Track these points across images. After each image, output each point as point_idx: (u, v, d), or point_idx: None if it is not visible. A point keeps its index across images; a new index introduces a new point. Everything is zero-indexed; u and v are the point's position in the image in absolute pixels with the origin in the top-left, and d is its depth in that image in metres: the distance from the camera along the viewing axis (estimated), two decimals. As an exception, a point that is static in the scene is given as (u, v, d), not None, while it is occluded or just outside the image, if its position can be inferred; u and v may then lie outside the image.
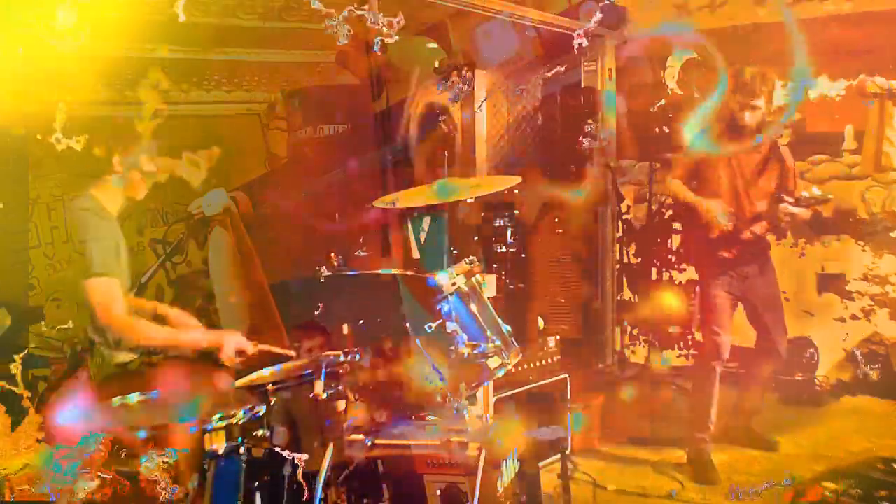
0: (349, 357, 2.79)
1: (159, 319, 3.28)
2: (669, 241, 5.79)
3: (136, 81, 3.44)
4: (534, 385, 4.37)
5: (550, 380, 4.49)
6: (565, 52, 5.90)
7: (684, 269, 5.72)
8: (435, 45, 5.60)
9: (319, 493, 2.52)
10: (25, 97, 3.22)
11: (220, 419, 2.54)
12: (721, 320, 4.32)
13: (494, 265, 5.06)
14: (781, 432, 4.68)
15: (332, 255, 3.13)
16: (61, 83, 3.18)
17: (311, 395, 2.62)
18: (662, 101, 5.84)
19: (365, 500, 2.69)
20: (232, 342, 3.14)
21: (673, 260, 5.80)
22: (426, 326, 2.82)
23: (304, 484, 2.49)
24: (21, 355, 3.36)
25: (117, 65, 3.76)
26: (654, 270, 5.75)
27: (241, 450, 2.56)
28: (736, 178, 4.29)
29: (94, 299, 2.98)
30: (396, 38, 2.46)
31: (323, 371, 2.65)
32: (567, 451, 4.17)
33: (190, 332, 3.24)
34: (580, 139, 5.15)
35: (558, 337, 4.77)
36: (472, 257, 3.10)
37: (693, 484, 4.14)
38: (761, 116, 4.21)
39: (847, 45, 5.07)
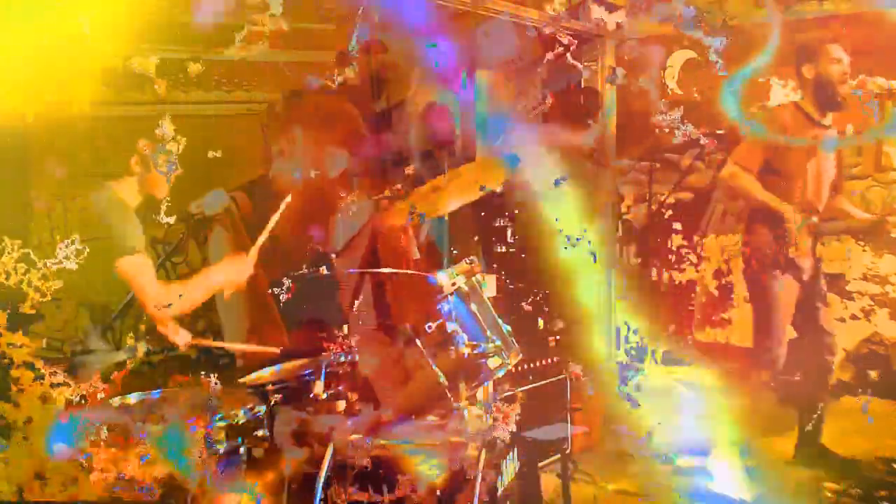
0: (349, 357, 2.79)
1: None
2: (669, 240, 5.80)
3: (137, 82, 3.45)
4: (534, 385, 4.37)
5: (550, 380, 4.49)
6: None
7: (684, 270, 5.72)
8: (435, 45, 5.59)
9: (319, 493, 2.52)
10: (25, 97, 3.22)
11: (220, 419, 2.54)
12: (784, 327, 4.18)
13: (494, 265, 5.05)
14: (781, 432, 4.68)
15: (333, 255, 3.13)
16: (61, 83, 3.18)
17: (311, 396, 2.62)
18: (662, 102, 5.83)
19: (365, 500, 2.69)
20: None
21: (673, 260, 5.80)
22: (426, 326, 2.83)
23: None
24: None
25: (119, 65, 3.75)
26: (654, 270, 5.76)
27: (241, 450, 2.56)
28: (817, 170, 4.11)
29: (130, 277, 3.04)
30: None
31: (323, 371, 2.65)
32: (567, 451, 4.17)
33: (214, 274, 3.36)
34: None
35: (558, 337, 4.77)
36: (472, 257, 3.10)
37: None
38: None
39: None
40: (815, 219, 4.11)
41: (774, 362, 4.15)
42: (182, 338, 3.29)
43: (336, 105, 4.57)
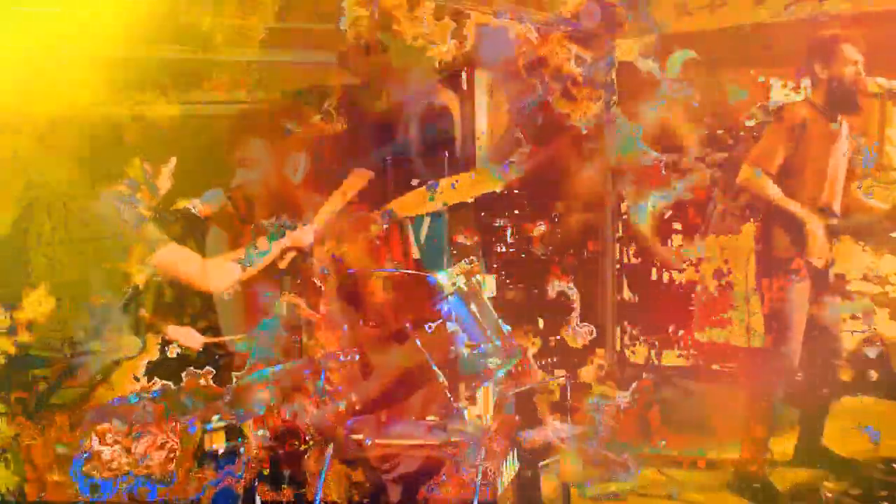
0: (349, 357, 2.79)
1: None
2: (669, 240, 5.79)
3: (136, 82, 3.46)
4: (533, 385, 4.37)
5: (550, 380, 4.48)
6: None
7: (684, 270, 5.72)
8: (435, 46, 5.59)
9: (319, 493, 2.52)
10: (26, 97, 3.22)
11: (220, 419, 2.54)
12: (801, 328, 4.14)
13: (494, 265, 5.06)
14: (782, 432, 4.68)
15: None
16: (62, 83, 3.18)
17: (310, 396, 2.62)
18: (663, 102, 5.83)
19: (365, 500, 2.69)
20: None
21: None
22: (426, 326, 2.83)
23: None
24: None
25: (118, 65, 3.76)
26: (654, 270, 5.76)
27: (241, 450, 2.56)
28: (835, 169, 4.05)
29: (175, 267, 3.02)
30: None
31: (323, 371, 2.65)
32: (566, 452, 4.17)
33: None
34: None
35: (558, 336, 4.78)
36: (471, 257, 3.11)
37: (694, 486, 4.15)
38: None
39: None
40: (835, 221, 4.07)
41: (790, 364, 4.12)
42: (195, 340, 3.25)
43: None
